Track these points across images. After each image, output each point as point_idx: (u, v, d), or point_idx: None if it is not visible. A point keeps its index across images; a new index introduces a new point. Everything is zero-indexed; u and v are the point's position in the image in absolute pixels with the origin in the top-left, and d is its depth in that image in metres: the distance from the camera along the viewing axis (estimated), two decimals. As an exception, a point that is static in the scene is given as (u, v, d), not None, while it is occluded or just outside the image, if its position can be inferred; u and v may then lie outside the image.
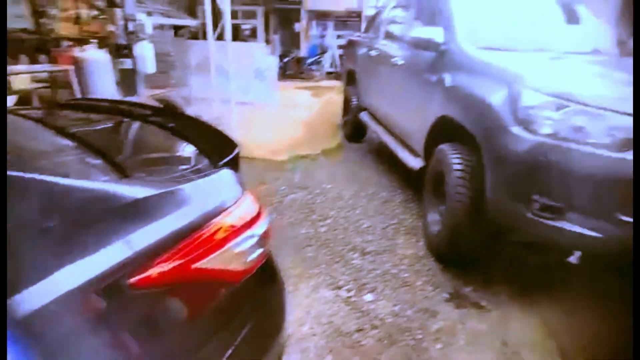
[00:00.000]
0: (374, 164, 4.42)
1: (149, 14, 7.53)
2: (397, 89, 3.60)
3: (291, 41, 13.04)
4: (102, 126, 1.30)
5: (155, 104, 3.75)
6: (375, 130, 4.20)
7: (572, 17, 3.04)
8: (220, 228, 0.87)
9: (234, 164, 1.10)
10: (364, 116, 4.58)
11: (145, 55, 4.81)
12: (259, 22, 12.35)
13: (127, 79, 4.96)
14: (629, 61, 2.47)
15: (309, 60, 12.40)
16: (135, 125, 1.33)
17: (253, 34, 12.71)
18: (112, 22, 4.66)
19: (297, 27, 12.23)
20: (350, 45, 5.63)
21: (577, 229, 1.72)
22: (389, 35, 4.16)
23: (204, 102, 5.42)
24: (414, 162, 3.08)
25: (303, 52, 12.66)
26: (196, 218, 0.84)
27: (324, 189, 3.65)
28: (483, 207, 2.05)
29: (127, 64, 4.85)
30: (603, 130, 1.68)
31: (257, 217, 0.99)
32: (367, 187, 3.72)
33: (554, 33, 2.93)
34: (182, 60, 7.69)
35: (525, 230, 1.93)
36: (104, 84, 4.09)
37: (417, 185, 3.31)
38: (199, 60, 6.80)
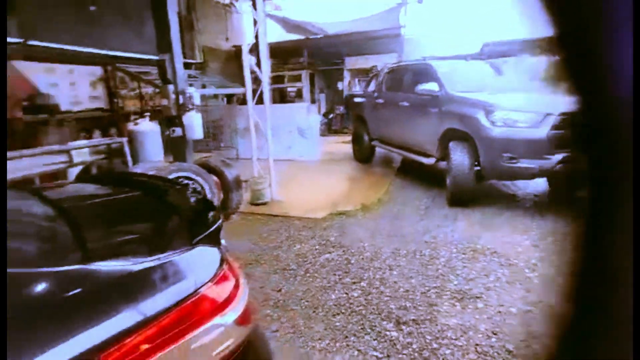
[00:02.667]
0: (417, 217, 4.14)
1: (203, 86, 8.36)
2: (407, 120, 5.78)
3: (336, 98, 13.60)
4: (100, 200, 1.32)
5: (189, 168, 3.96)
6: (389, 150, 6.55)
7: (498, 72, 5.83)
8: (172, 319, 0.76)
9: (213, 238, 1.01)
10: (375, 143, 6.92)
11: (193, 123, 5.20)
12: (304, 84, 13.12)
13: (177, 146, 5.35)
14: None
15: (353, 115, 12.74)
16: (132, 197, 1.33)
17: (299, 94, 13.51)
18: (166, 97, 5.16)
19: (340, 85, 12.76)
20: (353, 98, 8.12)
21: (525, 164, 3.88)
22: (391, 89, 6.41)
23: (247, 162, 5.62)
24: (428, 160, 5.20)
25: (347, 108, 13.08)
26: (141, 314, 0.73)
27: (360, 247, 3.44)
28: (475, 167, 4.30)
29: (177, 132, 5.27)
30: (525, 118, 3.96)
31: (228, 301, 0.87)
32: (408, 244, 3.44)
33: (490, 80, 5.42)
34: (231, 124, 8.28)
35: (500, 172, 4.15)
36: (153, 151, 4.44)
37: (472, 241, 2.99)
38: (245, 124, 7.27)
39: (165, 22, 5.04)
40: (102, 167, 4.18)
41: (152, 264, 0.83)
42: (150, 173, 3.77)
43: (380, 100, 6.58)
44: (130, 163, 4.13)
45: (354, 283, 2.81)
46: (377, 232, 3.80)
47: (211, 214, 1.10)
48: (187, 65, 10.19)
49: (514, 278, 2.78)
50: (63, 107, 6.90)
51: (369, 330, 2.24)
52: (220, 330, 0.83)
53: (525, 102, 4.26)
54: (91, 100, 7.65)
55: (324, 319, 2.39)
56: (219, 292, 0.89)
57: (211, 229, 1.01)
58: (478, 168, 4.27)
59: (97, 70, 7.71)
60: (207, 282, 0.89)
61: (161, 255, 0.86)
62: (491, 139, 4.07)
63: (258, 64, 5.36)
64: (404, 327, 2.26)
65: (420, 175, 6.13)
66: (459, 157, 4.34)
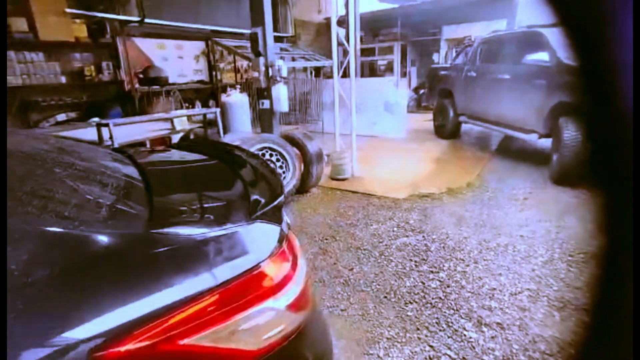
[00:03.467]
0: (512, 208, 3.66)
1: (293, 59, 8.46)
2: (507, 94, 5.34)
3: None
4: (179, 166, 1.36)
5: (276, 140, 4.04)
6: (480, 125, 6.26)
7: None
8: (220, 297, 0.71)
9: (275, 214, 0.94)
10: (463, 119, 6.66)
11: (280, 96, 5.30)
12: (395, 57, 12.47)
13: (265, 117, 5.55)
14: None
15: (447, 91, 11.78)
16: (210, 166, 1.34)
17: (390, 68, 12.92)
18: (256, 69, 5.33)
19: (436, 57, 11.81)
20: (439, 71, 7.79)
21: None
22: (488, 61, 6.01)
23: (332, 136, 5.56)
24: (529, 137, 4.98)
25: (441, 82, 12.11)
26: (189, 288, 0.70)
27: (442, 234, 3.17)
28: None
29: (265, 104, 5.44)
30: None
31: (282, 284, 0.80)
32: (499, 237, 3.06)
33: None
34: (318, 98, 8.29)
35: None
36: (242, 122, 4.64)
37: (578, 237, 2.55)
38: (331, 98, 7.21)
39: (259, -5, 5.11)
40: (199, 134, 4.53)
41: (221, 232, 0.79)
42: (236, 143, 3.96)
43: (473, 74, 6.31)
44: (221, 132, 4.39)
45: (432, 272, 2.59)
46: (464, 220, 3.45)
47: (277, 190, 1.04)
48: (279, 39, 10.43)
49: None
50: (171, 80, 7.66)
51: (444, 326, 2.05)
52: (271, 314, 0.77)
53: None
54: (194, 73, 8.34)
55: (395, 306, 2.25)
56: (276, 272, 0.83)
57: (271, 206, 0.95)
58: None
59: (201, 45, 8.33)
60: (266, 258, 0.82)
61: (229, 225, 0.82)
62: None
63: (347, 36, 5.17)
64: (485, 329, 2.01)
65: (521, 158, 5.41)
66: (571, 132, 4.06)
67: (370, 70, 13.29)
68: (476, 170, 4.99)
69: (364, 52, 13.38)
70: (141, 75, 6.63)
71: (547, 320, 2.07)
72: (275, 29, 11.25)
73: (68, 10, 5.75)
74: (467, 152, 6.10)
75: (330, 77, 5.86)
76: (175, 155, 1.64)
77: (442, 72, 7.56)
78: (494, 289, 2.37)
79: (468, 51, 6.84)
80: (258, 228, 0.88)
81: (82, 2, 6.09)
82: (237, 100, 4.74)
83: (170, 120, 4.20)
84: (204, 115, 4.52)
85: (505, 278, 2.48)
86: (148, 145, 4.67)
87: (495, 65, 5.75)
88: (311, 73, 9.98)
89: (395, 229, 3.33)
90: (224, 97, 4.81)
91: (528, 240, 2.99)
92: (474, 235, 3.11)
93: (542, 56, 4.65)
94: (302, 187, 4.31)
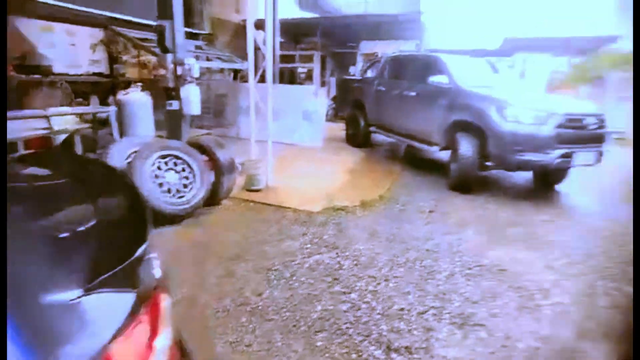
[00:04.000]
0: (420, 221, 3.83)
1: (208, 59, 7.94)
2: (413, 109, 5.94)
3: (347, 83, 13.11)
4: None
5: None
6: (389, 136, 6.76)
7: (495, 70, 6.32)
8: None
9: (131, 274, 0.70)
10: (373, 129, 7.10)
11: (191, 97, 4.85)
12: (315, 66, 12.61)
13: (173, 121, 5.03)
14: None
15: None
16: (56, 186, 1.02)
17: (310, 76, 13.02)
18: (163, 67, 4.80)
19: (352, 70, 12.24)
20: (350, 83, 8.25)
21: (530, 157, 4.30)
22: (395, 77, 6.60)
23: (248, 142, 5.24)
24: (432, 148, 5.49)
25: (357, 94, 12.59)
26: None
27: (355, 250, 3.14)
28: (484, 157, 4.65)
29: (174, 105, 4.93)
30: (532, 116, 4.35)
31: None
32: (408, 252, 3.14)
33: (488, 77, 5.91)
34: (234, 102, 7.90)
35: (508, 162, 4.48)
36: (143, 124, 4.12)
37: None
38: (248, 102, 6.90)
39: (167, -15, 4.62)
40: (87, 137, 3.87)
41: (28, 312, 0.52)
42: (133, 149, 3.47)
43: (382, 88, 6.77)
44: (116, 135, 3.82)
45: (344, 294, 2.51)
46: (376, 234, 3.49)
47: (138, 237, 0.78)
48: (194, 36, 9.77)
49: (522, 304, 2.47)
50: (59, 69, 6.57)
51: (354, 356, 1.96)
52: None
53: (531, 101, 4.76)
54: (91, 64, 7.30)
55: (304, 335, 2.10)
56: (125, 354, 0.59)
57: (126, 263, 0.69)
58: (482, 158, 4.68)
59: (99, 33, 7.32)
60: (107, 343, 0.58)
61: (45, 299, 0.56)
62: (502, 132, 4.41)
63: (264, 40, 4.96)
64: (394, 355, 1.97)
65: (429, 170, 5.79)
66: (466, 146, 4.68)
67: (290, 78, 13.22)
68: (388, 183, 5.17)
69: (285, 58, 13.28)
70: (17, 62, 5.54)
71: (449, 340, 2.11)
72: (188, 25, 10.53)
73: None
74: (381, 164, 6.33)
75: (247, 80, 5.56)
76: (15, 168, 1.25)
77: (354, 84, 7.96)
78: (403, 309, 2.37)
79: (377, 66, 7.32)
80: (98, 301, 0.63)
81: None
82: (137, 99, 4.18)
83: (47, 118, 3.50)
84: (94, 114, 3.88)
85: (413, 296, 2.51)
86: (21, 148, 3.85)
87: (403, 82, 6.27)
88: (229, 75, 9.52)
89: (308, 245, 3.21)
90: (120, 95, 4.20)
91: (433, 254, 3.12)
92: (385, 251, 3.14)
93: (443, 79, 5.27)
94: (212, 200, 3.96)
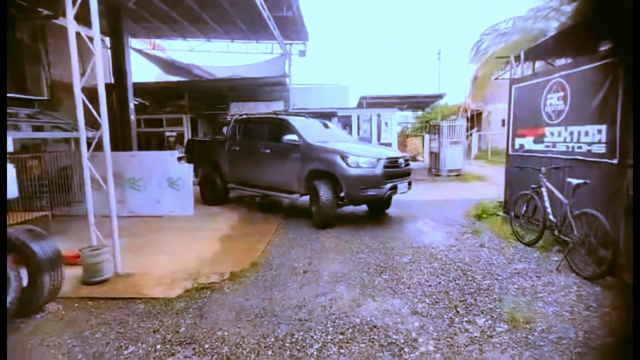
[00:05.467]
0: (294, 284, 3.59)
1: (36, 128, 6.80)
2: (271, 164, 6.68)
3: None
4: None
5: None
6: (248, 190, 7.32)
7: (326, 126, 7.43)
8: None
9: None
10: (232, 186, 7.52)
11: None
12: (185, 129, 12.10)
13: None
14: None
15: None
16: None
17: (181, 140, 12.38)
18: (-42, 143, 3.78)
19: (225, 130, 12.12)
20: (201, 144, 8.78)
21: (371, 192, 5.67)
22: (249, 137, 7.27)
23: (101, 220, 4.33)
24: (294, 196, 6.43)
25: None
26: None
27: (217, 339, 2.68)
28: (338, 198, 5.94)
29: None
30: (366, 162, 5.71)
31: None
32: (278, 327, 2.82)
33: (321, 132, 6.88)
34: (79, 175, 6.78)
35: (358, 198, 5.81)
36: None
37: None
38: (100, 173, 5.99)
39: (-39, 46, 3.79)
40: None
41: None
42: None
43: (237, 147, 7.36)
44: None
45: (196, 407, 2.03)
46: (244, 311, 3.10)
47: None
48: (29, 103, 8.37)
49: (394, 364, 2.37)
50: None
51: None
52: None
53: (362, 151, 5.99)
54: None
55: None
56: None
57: None
58: (338, 198, 5.89)
59: None
60: None
61: None
62: (350, 176, 5.64)
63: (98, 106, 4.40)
64: None
65: (302, 229, 5.73)
66: (324, 190, 5.71)
67: (158, 143, 12.35)
68: (262, 245, 4.90)
69: (150, 122, 12.47)
70: None
71: None
72: (23, 91, 9.05)
73: None
74: (255, 225, 6.06)
75: (98, 149, 4.72)
76: None
77: (207, 146, 8.31)
78: (267, 408, 2.00)
79: (229, 128, 7.79)
80: None
81: None
82: None
83: None
84: None
85: (281, 386, 2.17)
86: None
87: (258, 142, 6.94)
88: (76, 145, 8.28)
89: (158, 346, 2.62)
90: None
91: (305, 324, 2.87)
92: (253, 332, 2.77)
93: (294, 137, 6.25)
94: (28, 308, 3.04)
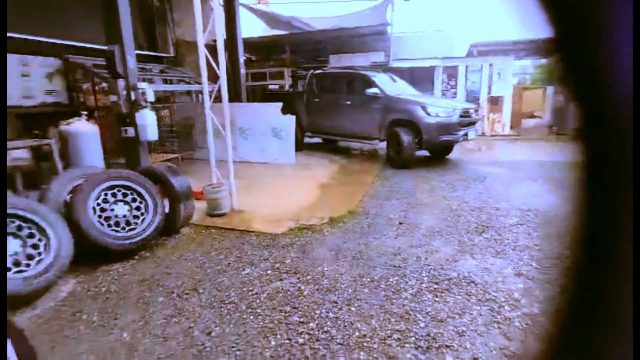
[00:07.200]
0: (390, 233, 3.68)
1: (168, 81, 7.77)
2: (351, 115, 7.42)
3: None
4: None
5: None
6: (328, 138, 8.41)
7: (394, 80, 7.99)
8: None
9: None
10: (309, 134, 8.43)
11: (147, 123, 4.66)
12: (286, 82, 12.58)
13: (129, 148, 4.80)
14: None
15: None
16: None
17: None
18: (115, 93, 4.61)
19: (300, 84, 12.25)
20: (282, 97, 8.83)
21: (447, 138, 6.49)
22: (328, 91, 7.95)
23: (218, 164, 4.97)
24: (374, 142, 7.28)
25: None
26: None
27: (317, 273, 2.96)
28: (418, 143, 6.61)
29: (129, 132, 4.72)
30: (444, 111, 6.44)
31: None
32: (374, 270, 2.97)
33: (391, 86, 7.53)
34: (203, 123, 7.71)
35: (435, 144, 6.64)
36: (90, 155, 3.89)
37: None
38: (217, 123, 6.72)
39: (114, 9, 4.47)
40: (29, 172, 3.61)
41: None
42: (77, 182, 3.24)
43: (316, 99, 8.07)
44: (60, 168, 3.57)
45: (302, 324, 2.32)
46: (341, 252, 3.32)
47: None
48: (158, 59, 9.60)
49: (491, 319, 2.33)
50: (13, 102, 6.27)
51: (306, 398, 1.77)
52: None
53: (440, 102, 6.87)
54: (47, 95, 7.01)
55: (255, 378, 1.90)
56: None
57: None
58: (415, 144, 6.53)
59: (55, 62, 7.07)
60: None
61: None
62: (430, 124, 6.33)
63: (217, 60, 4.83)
64: (351, 392, 1.79)
65: (402, 183, 5.68)
66: (405, 136, 6.43)
67: (262, 95, 13.14)
68: (360, 195, 5.04)
69: (256, 76, 13.24)
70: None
71: (413, 367, 1.95)
72: (153, 49, 10.34)
73: None
74: (353, 176, 6.21)
75: (216, 100, 5.34)
76: None
77: (286, 98, 8.58)
78: (364, 335, 2.19)
79: (305, 82, 8.44)
80: None
81: None
82: (81, 129, 3.96)
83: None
84: (33, 148, 3.63)
85: (376, 320, 2.34)
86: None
87: (338, 95, 7.65)
88: (196, 97, 9.34)
89: (269, 271, 3.01)
90: (62, 126, 3.98)
91: (400, 270, 2.97)
92: (349, 271, 2.97)
93: (375, 90, 6.98)
94: (170, 229, 3.74)
